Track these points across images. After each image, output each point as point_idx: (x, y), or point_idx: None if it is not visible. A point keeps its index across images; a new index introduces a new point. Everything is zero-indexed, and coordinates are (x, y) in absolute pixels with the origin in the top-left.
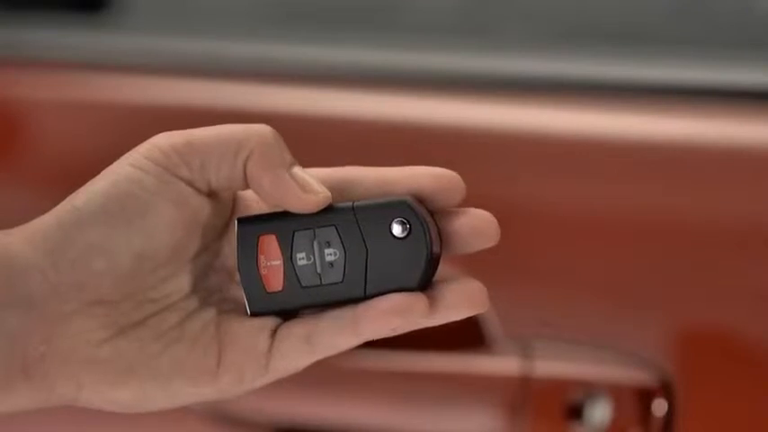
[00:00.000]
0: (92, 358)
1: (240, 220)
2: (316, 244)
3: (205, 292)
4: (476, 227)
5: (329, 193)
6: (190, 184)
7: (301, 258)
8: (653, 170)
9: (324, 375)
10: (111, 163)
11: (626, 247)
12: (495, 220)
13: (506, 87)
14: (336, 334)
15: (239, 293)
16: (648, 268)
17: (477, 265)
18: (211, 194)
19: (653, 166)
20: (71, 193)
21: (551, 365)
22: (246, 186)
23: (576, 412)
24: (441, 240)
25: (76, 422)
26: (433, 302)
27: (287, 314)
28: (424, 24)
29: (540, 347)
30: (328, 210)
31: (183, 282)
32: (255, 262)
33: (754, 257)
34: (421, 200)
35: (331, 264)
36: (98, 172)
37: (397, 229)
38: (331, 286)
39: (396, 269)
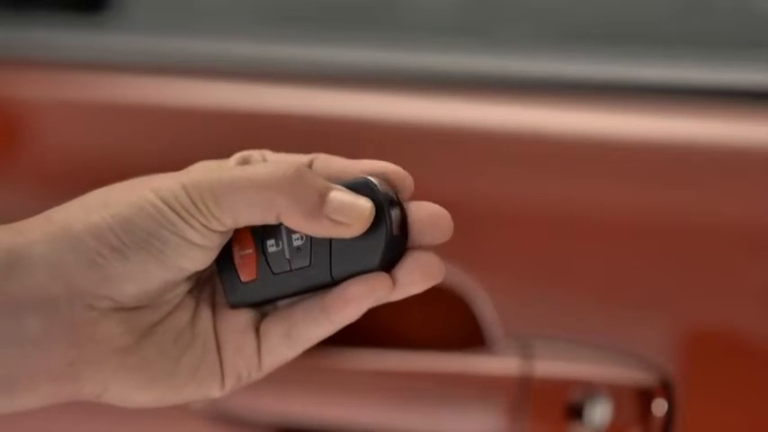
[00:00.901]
0: (121, 366)
1: None
2: (284, 229)
3: (200, 285)
4: (427, 220)
5: (368, 204)
6: (217, 232)
7: (271, 245)
8: (653, 170)
9: (324, 375)
10: (110, 163)
11: (626, 247)
12: (448, 215)
13: (506, 87)
14: (311, 326)
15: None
16: (648, 268)
17: (476, 264)
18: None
19: (653, 166)
20: (68, 194)
21: (551, 365)
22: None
23: (576, 412)
24: (406, 221)
25: (77, 420)
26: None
27: (264, 304)
28: (424, 24)
29: (540, 347)
30: None
31: (192, 281)
32: (231, 255)
33: (754, 257)
34: (390, 182)
35: (299, 248)
36: (98, 172)
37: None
38: (300, 271)
39: (358, 250)
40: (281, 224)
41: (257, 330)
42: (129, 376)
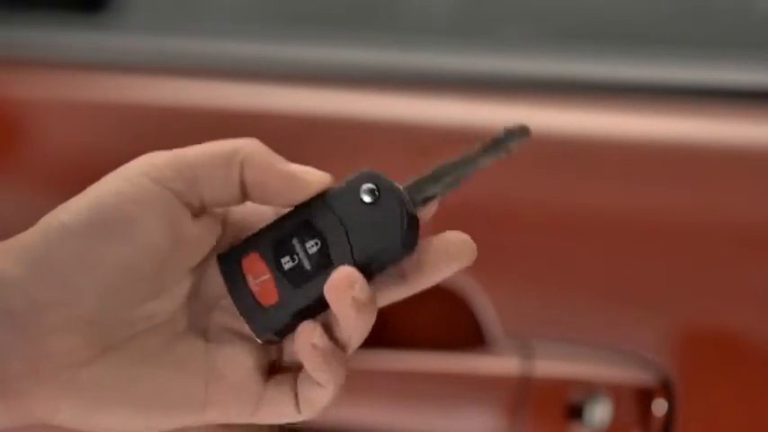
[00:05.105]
0: (72, 381)
1: (219, 256)
2: (296, 242)
3: (193, 314)
4: (450, 248)
5: (327, 174)
6: (181, 197)
7: (287, 262)
8: (653, 170)
9: None
10: (110, 163)
11: (626, 247)
12: (472, 242)
13: (506, 87)
14: (318, 389)
15: (227, 319)
16: (648, 268)
17: (476, 265)
18: (201, 213)
19: (653, 165)
20: (68, 193)
21: (551, 365)
22: (242, 200)
23: (576, 412)
24: (415, 205)
25: None
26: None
27: (294, 324)
28: (424, 24)
29: (540, 347)
30: (298, 209)
31: (169, 302)
32: (246, 285)
33: (753, 257)
34: None
35: (317, 255)
36: (97, 172)
37: (367, 197)
38: (323, 272)
39: (377, 233)
40: (292, 237)
41: (265, 375)
42: (82, 394)
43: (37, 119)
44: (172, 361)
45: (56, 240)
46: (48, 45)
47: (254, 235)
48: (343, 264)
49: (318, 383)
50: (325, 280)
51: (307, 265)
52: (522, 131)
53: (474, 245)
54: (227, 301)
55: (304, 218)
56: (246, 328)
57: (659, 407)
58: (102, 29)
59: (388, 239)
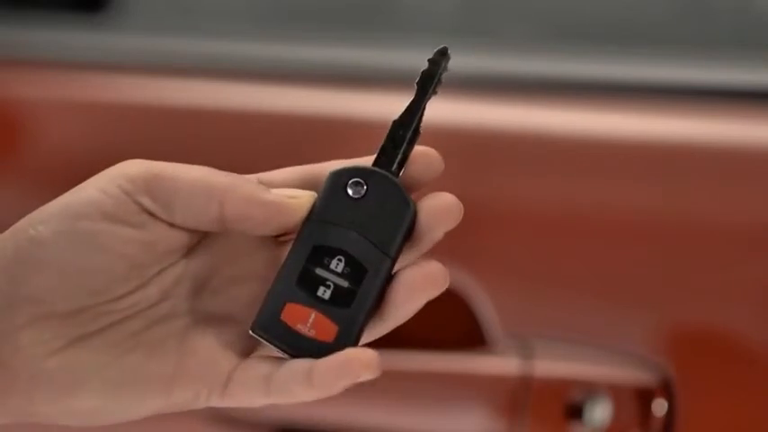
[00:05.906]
0: (40, 371)
1: (253, 331)
2: (321, 270)
3: (179, 298)
4: (437, 209)
5: (309, 192)
6: (150, 213)
7: (324, 292)
8: (652, 170)
9: None
10: (110, 163)
11: (626, 246)
12: (459, 203)
13: (506, 87)
14: (293, 382)
15: (211, 304)
16: (648, 268)
17: (477, 264)
18: (175, 225)
19: (652, 165)
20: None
21: (551, 365)
22: (220, 230)
23: (576, 412)
24: (396, 174)
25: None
26: (391, 293)
27: (360, 334)
28: (424, 24)
29: (540, 347)
30: (297, 242)
31: (152, 289)
32: (301, 337)
33: (753, 257)
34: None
35: (345, 269)
36: (97, 172)
37: (355, 192)
38: (366, 281)
39: (387, 217)
40: (314, 268)
41: (243, 356)
42: (49, 381)
43: (37, 119)
44: (146, 344)
45: (26, 248)
46: (48, 45)
47: (273, 289)
48: (376, 263)
49: (297, 382)
50: (372, 284)
51: (344, 284)
52: (442, 54)
53: (459, 203)
54: (216, 283)
55: (312, 245)
56: (231, 310)
57: (659, 407)
58: (102, 29)
59: (399, 213)
